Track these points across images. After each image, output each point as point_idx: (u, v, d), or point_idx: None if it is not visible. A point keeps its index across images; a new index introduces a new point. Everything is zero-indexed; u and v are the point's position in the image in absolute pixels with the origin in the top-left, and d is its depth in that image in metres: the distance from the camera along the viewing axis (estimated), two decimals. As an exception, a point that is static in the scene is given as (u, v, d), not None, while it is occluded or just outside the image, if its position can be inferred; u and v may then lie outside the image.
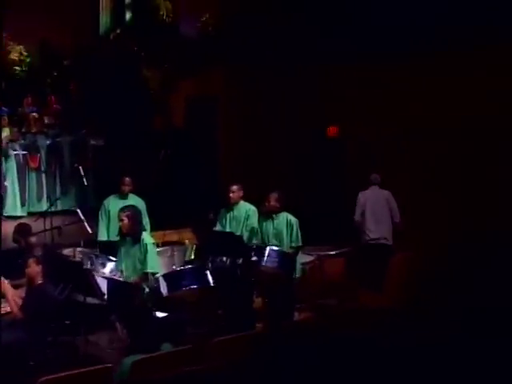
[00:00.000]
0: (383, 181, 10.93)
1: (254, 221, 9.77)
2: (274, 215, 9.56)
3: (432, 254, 9.42)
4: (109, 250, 9.45)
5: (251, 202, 9.97)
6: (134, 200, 10.34)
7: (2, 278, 8.28)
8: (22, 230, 9.83)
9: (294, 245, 9.48)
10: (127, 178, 10.52)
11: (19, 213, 13.37)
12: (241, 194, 9.90)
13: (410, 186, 11.20)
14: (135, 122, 14.29)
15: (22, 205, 13.51)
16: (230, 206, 9.89)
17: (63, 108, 14.49)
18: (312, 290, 10.15)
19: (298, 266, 9.55)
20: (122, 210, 8.88)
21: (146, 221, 10.24)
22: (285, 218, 9.54)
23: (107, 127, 14.10)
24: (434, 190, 10.85)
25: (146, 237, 8.90)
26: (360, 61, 11.42)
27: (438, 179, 10.93)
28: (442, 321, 6.16)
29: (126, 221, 8.76)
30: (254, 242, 9.62)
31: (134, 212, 8.97)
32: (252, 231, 9.75)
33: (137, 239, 8.81)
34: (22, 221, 10.86)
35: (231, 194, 9.84)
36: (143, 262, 8.69)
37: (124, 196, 10.49)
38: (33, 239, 9.84)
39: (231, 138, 14.14)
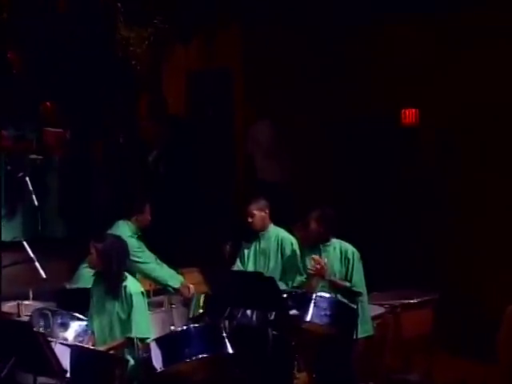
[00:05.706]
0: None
1: (290, 253, 9.67)
2: (320, 245, 9.41)
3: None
4: (75, 302, 9.19)
5: (285, 228, 9.93)
6: None
7: None
8: None
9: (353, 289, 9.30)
10: None
11: None
12: (266, 214, 9.81)
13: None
14: (110, 107, 14.06)
15: None
16: (253, 234, 9.88)
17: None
18: (384, 358, 10.06)
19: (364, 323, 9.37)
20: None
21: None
22: (338, 248, 9.43)
23: (68, 116, 13.84)
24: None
25: (132, 284, 8.63)
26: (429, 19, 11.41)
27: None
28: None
29: (94, 254, 8.61)
30: (295, 285, 9.51)
31: (110, 245, 8.71)
32: (290, 270, 9.59)
33: (113, 288, 8.57)
34: None
35: (251, 217, 9.77)
36: (125, 322, 8.45)
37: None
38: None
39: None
